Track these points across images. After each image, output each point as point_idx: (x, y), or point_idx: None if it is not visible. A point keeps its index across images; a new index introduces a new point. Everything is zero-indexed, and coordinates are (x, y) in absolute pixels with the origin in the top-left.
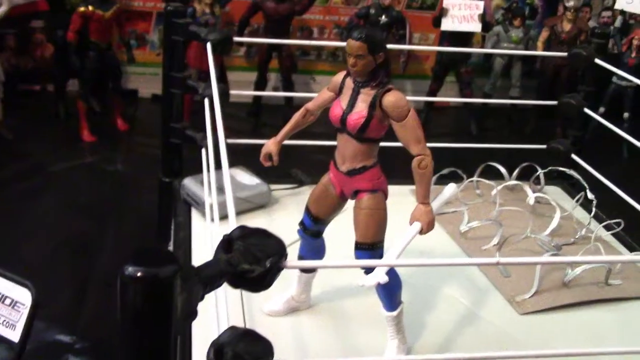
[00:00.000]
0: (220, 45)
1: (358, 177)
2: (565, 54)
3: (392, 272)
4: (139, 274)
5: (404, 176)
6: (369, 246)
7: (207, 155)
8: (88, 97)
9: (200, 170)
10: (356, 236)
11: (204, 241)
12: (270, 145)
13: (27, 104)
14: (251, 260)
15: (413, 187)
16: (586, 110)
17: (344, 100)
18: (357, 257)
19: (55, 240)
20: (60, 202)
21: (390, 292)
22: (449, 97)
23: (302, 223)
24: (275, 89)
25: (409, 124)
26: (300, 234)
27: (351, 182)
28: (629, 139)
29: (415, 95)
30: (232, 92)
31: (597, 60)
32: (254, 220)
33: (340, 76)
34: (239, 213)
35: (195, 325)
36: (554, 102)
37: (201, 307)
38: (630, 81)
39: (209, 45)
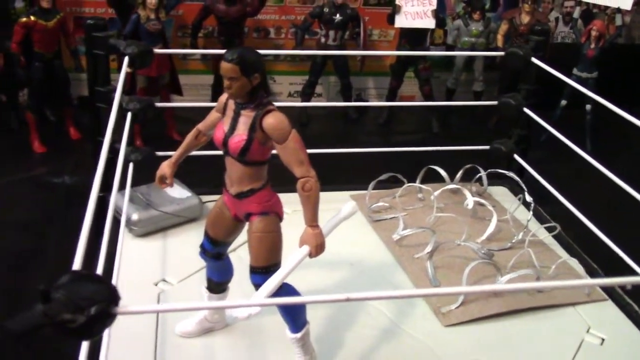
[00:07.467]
0: (139, 58)
1: (247, 200)
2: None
3: (292, 292)
4: None
5: (344, 182)
6: (263, 270)
7: (121, 171)
8: (37, 107)
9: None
10: (250, 260)
11: (128, 258)
12: (164, 167)
13: None
14: (73, 309)
15: (353, 192)
16: (526, 110)
17: (226, 123)
18: (252, 280)
19: None
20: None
21: (292, 313)
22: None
23: (202, 246)
24: None
25: (290, 146)
26: (202, 256)
27: (241, 204)
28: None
29: (378, 91)
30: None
31: (534, 59)
32: (183, 235)
33: (224, 97)
34: (168, 228)
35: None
36: (494, 102)
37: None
38: (591, 72)
39: (126, 59)
